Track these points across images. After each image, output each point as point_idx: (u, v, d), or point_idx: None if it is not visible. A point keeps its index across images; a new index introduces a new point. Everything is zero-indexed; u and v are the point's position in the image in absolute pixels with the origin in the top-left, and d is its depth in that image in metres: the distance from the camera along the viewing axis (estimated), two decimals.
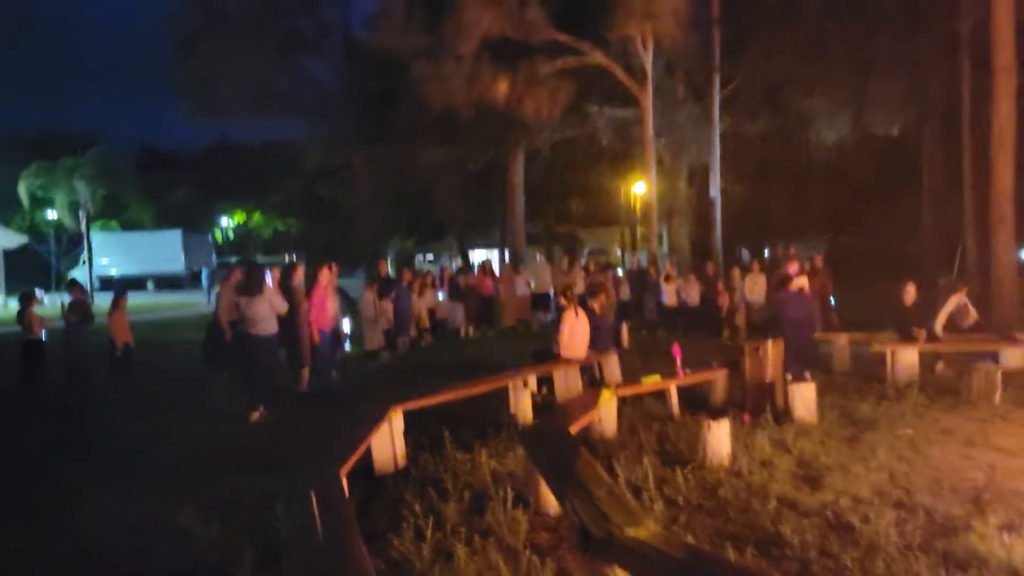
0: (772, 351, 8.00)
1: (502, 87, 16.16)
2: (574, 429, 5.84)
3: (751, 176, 30.85)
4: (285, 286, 10.13)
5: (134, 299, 17.33)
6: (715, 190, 19.27)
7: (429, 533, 4.59)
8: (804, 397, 7.56)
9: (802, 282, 9.35)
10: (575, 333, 8.81)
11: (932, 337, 10.00)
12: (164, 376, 12.04)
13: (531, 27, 16.19)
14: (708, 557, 3.51)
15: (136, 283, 40.89)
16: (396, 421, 6.42)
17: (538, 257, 17.34)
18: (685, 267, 19.39)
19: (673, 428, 7.23)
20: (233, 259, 47.88)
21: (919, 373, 9.43)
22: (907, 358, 9.43)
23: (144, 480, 6.34)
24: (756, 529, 4.74)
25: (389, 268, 15.84)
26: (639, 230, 40.88)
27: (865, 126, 19.36)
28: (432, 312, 15.78)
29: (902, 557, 4.15)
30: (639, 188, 30.61)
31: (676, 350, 8.18)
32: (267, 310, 8.44)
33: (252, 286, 8.42)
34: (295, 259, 43.39)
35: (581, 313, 9.03)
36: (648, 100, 17.19)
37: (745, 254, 25.80)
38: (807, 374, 8.69)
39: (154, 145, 60.35)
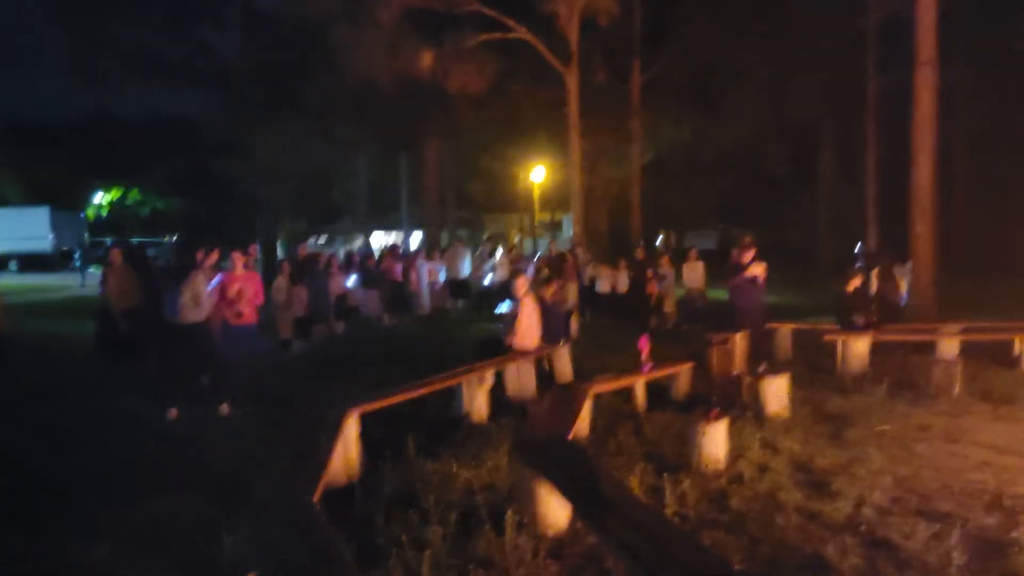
0: (740, 343, 7.61)
1: (427, 59, 15.20)
2: (571, 436, 5.16)
3: (648, 166, 30.95)
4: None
5: None
6: (635, 175, 19.00)
7: (425, 571, 3.81)
8: (776, 391, 7.17)
9: (757, 270, 9.02)
10: (530, 323, 8.14)
11: (870, 322, 9.98)
12: (50, 370, 10.51)
13: None
14: None
15: None
16: (351, 426, 5.55)
17: (456, 243, 16.44)
18: (604, 254, 19.03)
19: (650, 428, 6.68)
20: (108, 239, 44.56)
21: (868, 363, 9.30)
22: (857, 348, 9.27)
23: (46, 505, 5.21)
24: (792, 551, 4.21)
25: (273, 251, 14.62)
26: (536, 217, 40.60)
27: (782, 117, 19.55)
28: (343, 298, 14.70)
29: None
30: (537, 174, 30.24)
31: (643, 343, 7.64)
32: (189, 298, 7.39)
33: (180, 273, 7.42)
34: (175, 241, 40.76)
35: (534, 303, 8.37)
36: (574, 81, 16.65)
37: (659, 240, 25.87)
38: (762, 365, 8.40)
39: (21, 116, 55.38)
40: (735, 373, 7.53)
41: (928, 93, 13.99)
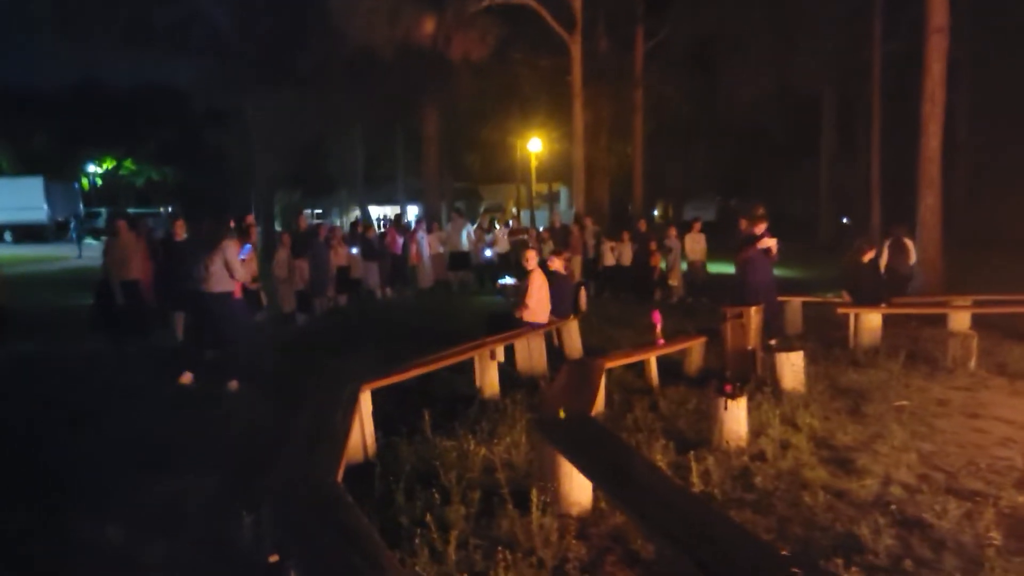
0: (755, 318, 7.49)
1: (428, 25, 14.86)
2: (593, 413, 5.05)
3: (646, 137, 30.71)
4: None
5: None
6: (637, 146, 18.74)
7: (451, 551, 3.71)
8: (793, 366, 7.07)
9: (770, 243, 8.85)
10: (540, 296, 8.00)
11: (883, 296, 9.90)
12: (51, 343, 10.35)
13: None
14: None
15: None
16: (365, 402, 5.44)
17: (456, 215, 16.19)
18: (606, 226, 18.82)
19: (665, 403, 6.58)
20: (102, 209, 44.12)
21: (881, 337, 9.21)
22: (870, 322, 9.17)
23: (53, 482, 5.09)
24: (822, 530, 4.12)
25: (271, 223, 14.35)
26: (535, 188, 40.32)
27: (786, 86, 19.27)
28: (346, 271, 14.53)
29: (1011, 566, 3.63)
30: (534, 145, 29.90)
31: (656, 317, 7.51)
32: (221, 266, 7.26)
33: (210, 240, 7.28)
34: (172, 212, 40.40)
35: (543, 276, 8.23)
36: (578, 49, 16.32)
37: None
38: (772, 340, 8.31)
39: (11, 84, 54.47)
40: (750, 348, 7.41)
41: (939, 61, 13.76)
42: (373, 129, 30.23)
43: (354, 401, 5.16)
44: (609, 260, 15.08)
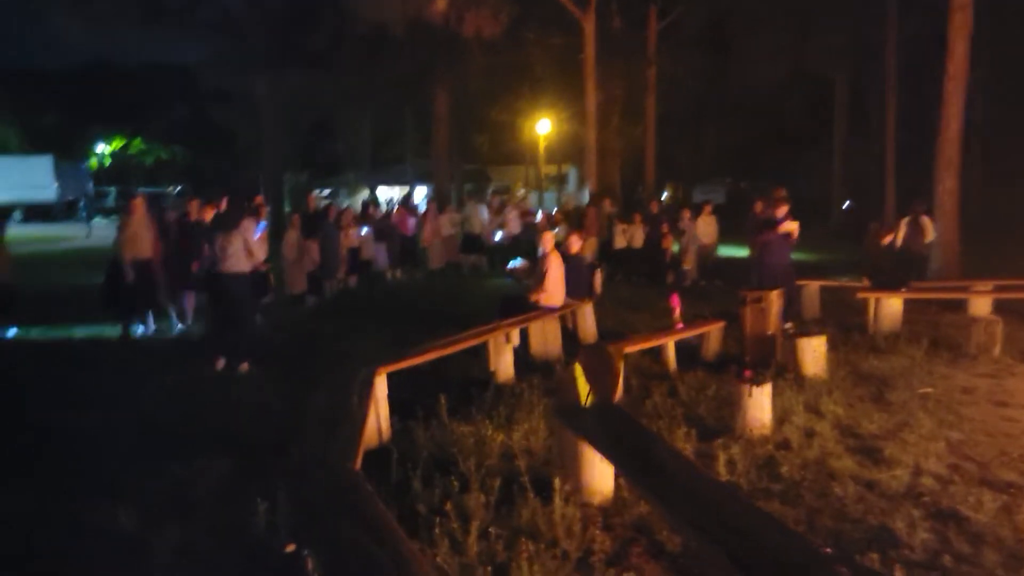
0: (775, 302, 7.34)
1: (441, 2, 14.60)
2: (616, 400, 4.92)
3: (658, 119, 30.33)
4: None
5: None
6: (649, 127, 18.48)
7: (472, 541, 3.60)
8: (814, 351, 6.93)
9: (791, 226, 8.68)
10: (557, 279, 7.86)
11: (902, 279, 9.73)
12: (60, 323, 10.25)
13: None
14: None
15: (1, 212, 36.83)
16: (380, 386, 5.32)
17: (469, 197, 16.01)
18: (619, 208, 18.61)
19: (685, 389, 6.44)
20: (111, 188, 44.09)
21: (902, 322, 9.04)
22: (891, 307, 9.00)
23: (65, 465, 5.00)
24: (854, 523, 3.99)
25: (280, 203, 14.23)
26: (543, 169, 40.02)
27: (800, 68, 18.96)
28: (356, 252, 14.39)
29: None
30: (543, 127, 29.61)
31: (674, 300, 7.37)
32: (241, 246, 7.14)
33: (229, 221, 7.14)
34: (183, 191, 40.29)
35: (557, 257, 8.08)
36: (591, 27, 16.03)
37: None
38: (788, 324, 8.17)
39: (20, 63, 54.38)
40: (769, 332, 7.26)
41: (962, 39, 13.46)
42: (382, 110, 29.96)
43: (369, 385, 5.04)
44: (620, 242, 14.89)
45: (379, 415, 5.29)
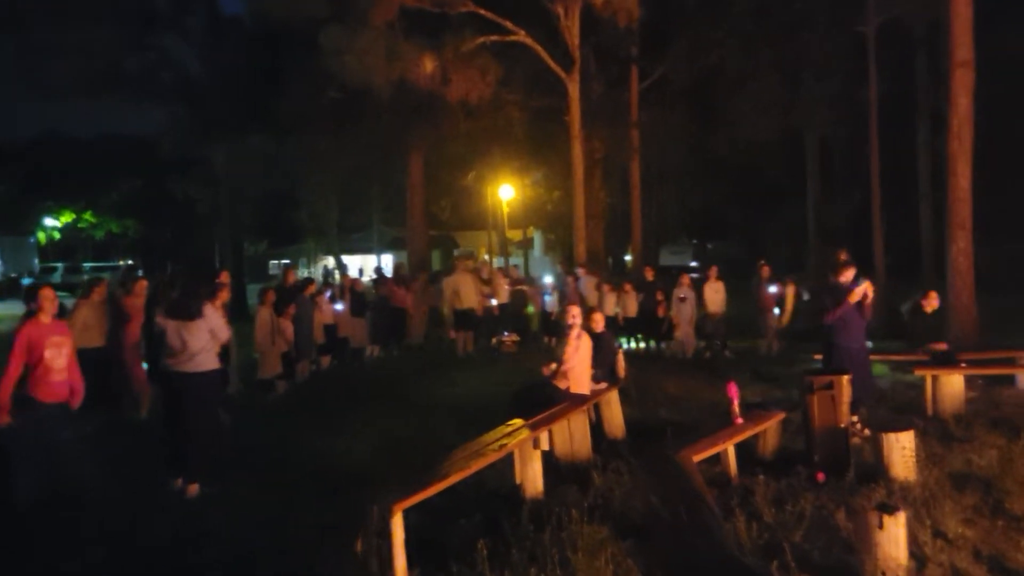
0: (846, 389, 6.21)
1: (428, 64, 13.68)
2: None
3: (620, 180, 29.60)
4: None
5: None
6: (635, 187, 17.67)
7: None
8: (903, 449, 5.78)
9: (862, 290, 7.21)
10: (584, 361, 6.66)
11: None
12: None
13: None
14: None
15: None
16: (398, 530, 4.01)
17: (459, 264, 14.72)
18: (605, 275, 17.60)
19: (763, 505, 5.20)
20: (59, 264, 42.12)
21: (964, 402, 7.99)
22: (952, 385, 7.94)
23: None
24: None
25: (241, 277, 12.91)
26: (508, 235, 39.26)
27: (791, 126, 18.46)
28: (333, 328, 13.04)
29: None
30: (505, 192, 29.09)
31: (732, 389, 6.20)
32: (207, 339, 5.77)
33: (189, 307, 5.73)
34: (130, 266, 38.51)
35: (585, 335, 6.89)
36: (576, 88, 15.27)
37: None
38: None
39: None
40: (841, 426, 6.11)
41: (965, 96, 12.93)
42: (347, 177, 28.96)
43: (387, 529, 3.74)
44: (608, 312, 13.69)
45: (396, 568, 3.97)
